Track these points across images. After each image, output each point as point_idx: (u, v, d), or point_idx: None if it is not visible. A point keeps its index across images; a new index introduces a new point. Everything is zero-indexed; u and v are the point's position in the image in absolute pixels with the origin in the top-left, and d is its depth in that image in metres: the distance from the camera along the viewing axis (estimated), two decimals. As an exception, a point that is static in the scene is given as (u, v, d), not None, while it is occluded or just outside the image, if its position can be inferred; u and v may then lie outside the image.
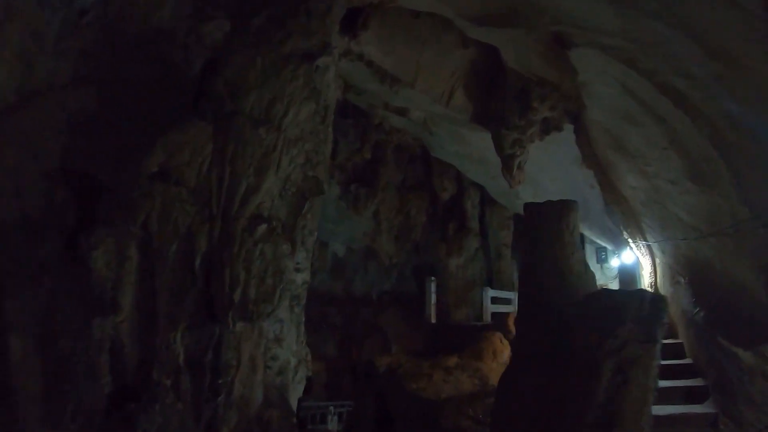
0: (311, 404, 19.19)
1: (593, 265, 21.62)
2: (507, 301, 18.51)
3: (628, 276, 15.19)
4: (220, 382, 7.73)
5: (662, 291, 11.46)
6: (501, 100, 13.23)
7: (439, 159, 20.99)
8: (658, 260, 11.48)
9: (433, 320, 15.99)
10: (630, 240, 12.48)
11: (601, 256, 21.46)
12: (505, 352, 12.05)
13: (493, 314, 17.21)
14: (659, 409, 8.43)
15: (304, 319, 9.81)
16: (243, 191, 8.28)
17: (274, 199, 8.73)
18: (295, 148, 8.96)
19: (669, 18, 7.11)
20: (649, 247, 11.62)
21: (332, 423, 18.26)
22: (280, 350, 8.62)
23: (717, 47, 6.86)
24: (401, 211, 22.62)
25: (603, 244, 19.66)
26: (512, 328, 12.68)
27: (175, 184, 7.88)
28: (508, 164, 13.30)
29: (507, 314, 13.50)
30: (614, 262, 20.38)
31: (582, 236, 20.81)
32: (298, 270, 9.20)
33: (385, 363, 13.84)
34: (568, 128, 13.52)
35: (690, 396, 9.28)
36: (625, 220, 12.28)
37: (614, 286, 21.89)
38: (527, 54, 11.69)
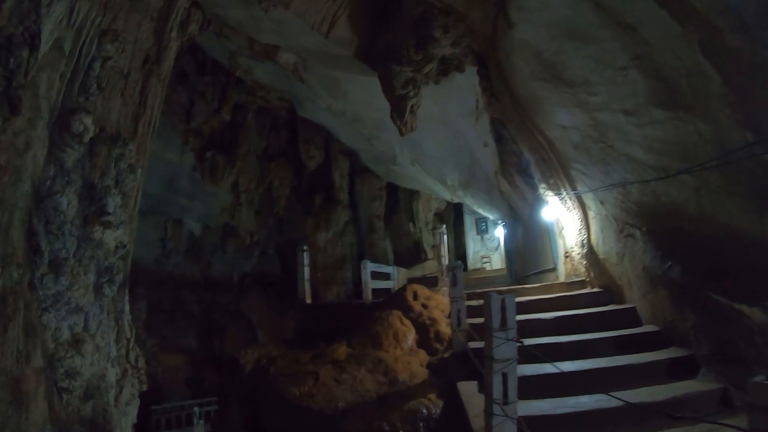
0: (173, 405, 15.82)
1: (473, 236, 19.35)
2: (387, 276, 15.59)
3: (536, 238, 12.64)
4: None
5: (600, 248, 8.87)
6: (394, 31, 10.26)
7: (306, 123, 17.78)
8: (592, 213, 8.89)
9: (309, 300, 12.64)
10: (549, 194, 9.85)
11: (481, 227, 19.13)
12: (410, 336, 8.94)
13: (373, 291, 14.21)
14: (651, 392, 6.13)
15: (127, 308, 6.26)
16: None
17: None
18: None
19: None
20: (579, 198, 9.01)
21: (199, 426, 14.69)
22: (81, 360, 5.00)
23: None
24: (263, 182, 19.17)
25: (484, 214, 17.18)
26: (414, 304, 9.60)
27: None
28: (399, 107, 10.31)
29: (406, 286, 10.42)
30: (498, 232, 18.02)
31: (460, 207, 18.53)
32: (107, 225, 5.48)
33: (252, 359, 10.25)
34: (463, 76, 10.90)
35: (675, 370, 6.66)
36: (547, 170, 9.60)
37: (496, 256, 19.75)
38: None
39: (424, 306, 9.62)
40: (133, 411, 6.17)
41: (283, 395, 7.87)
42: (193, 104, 17.42)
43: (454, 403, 6.60)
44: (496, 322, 4.75)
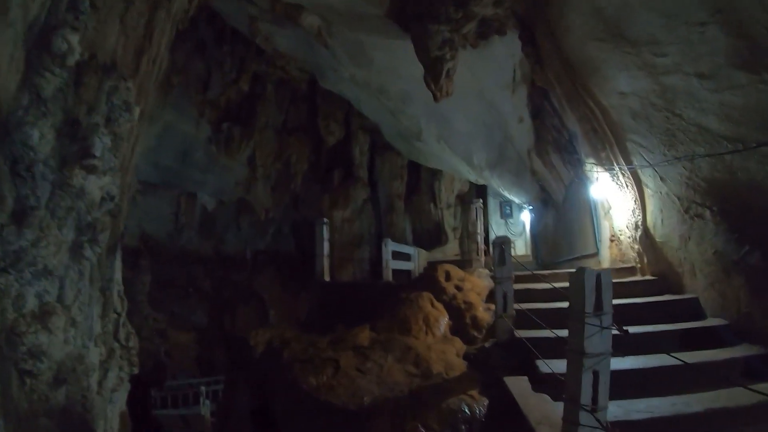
0: (180, 383, 14.90)
1: (497, 220, 18.12)
2: (407, 257, 14.39)
3: (572, 221, 11.40)
4: None
5: (658, 231, 7.64)
6: (432, -13, 9.08)
7: (327, 97, 16.76)
8: (650, 191, 7.65)
9: (327, 278, 11.44)
10: (598, 170, 8.60)
11: (506, 211, 17.91)
12: (443, 321, 7.71)
13: (393, 272, 13.02)
14: (731, 396, 4.92)
15: (118, 277, 5.12)
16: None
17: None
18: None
19: None
20: (634, 174, 7.78)
21: (205, 406, 13.88)
22: (49, 337, 3.84)
23: None
24: (280, 157, 17.98)
25: (510, 197, 15.93)
26: (446, 286, 8.38)
27: None
28: (434, 70, 9.16)
29: (435, 265, 9.22)
30: (523, 216, 16.77)
31: (484, 189, 17.31)
32: (91, 170, 4.23)
33: (264, 340, 9.04)
34: (502, 44, 10.00)
35: (754, 371, 5.47)
36: (598, 143, 8.34)
37: (520, 242, 18.51)
38: None
39: (458, 288, 8.39)
40: (121, 398, 5.07)
41: (298, 384, 6.68)
42: (211, 75, 16.40)
43: (502, 403, 5.39)
44: (589, 304, 3.52)
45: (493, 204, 18.06)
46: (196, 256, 18.47)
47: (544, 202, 14.03)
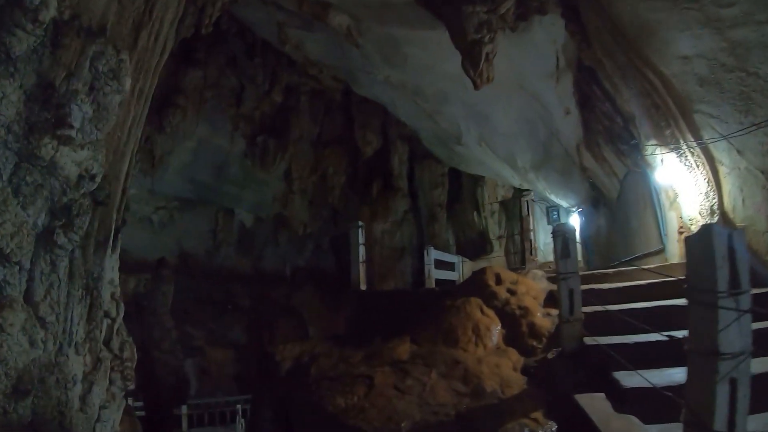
0: (218, 400, 14.34)
1: (543, 226, 16.97)
2: (451, 267, 13.45)
3: (629, 218, 10.24)
4: None
5: (738, 213, 6.49)
6: (464, -33, 8.26)
7: (362, 107, 16.13)
8: (725, 168, 6.54)
9: (363, 286, 10.52)
10: (661, 151, 7.50)
11: (553, 216, 16.73)
12: (495, 330, 6.67)
13: (436, 282, 12.07)
14: None
15: (110, 276, 4.24)
16: None
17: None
18: None
19: None
20: (705, 151, 6.67)
21: (240, 425, 13.26)
22: (2, 336, 2.98)
23: None
24: (317, 169, 17.26)
25: (557, 201, 14.81)
26: (497, 290, 7.33)
27: None
28: (472, 55, 8.27)
29: (484, 268, 8.20)
30: (572, 221, 15.61)
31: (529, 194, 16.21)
32: (65, 141, 3.32)
33: (292, 355, 8.10)
34: (542, 28, 9.12)
35: None
36: (661, 120, 7.26)
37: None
38: None
39: (511, 292, 7.32)
40: (113, 416, 4.17)
41: (323, 405, 5.71)
42: (243, 88, 15.99)
43: (574, 428, 4.33)
44: (722, 279, 2.45)
45: (539, 209, 16.93)
46: (234, 273, 17.95)
47: (594, 202, 12.89)
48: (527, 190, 11.95)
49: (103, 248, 4.09)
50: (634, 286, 6.42)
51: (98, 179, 3.70)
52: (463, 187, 17.34)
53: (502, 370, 5.85)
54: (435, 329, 6.99)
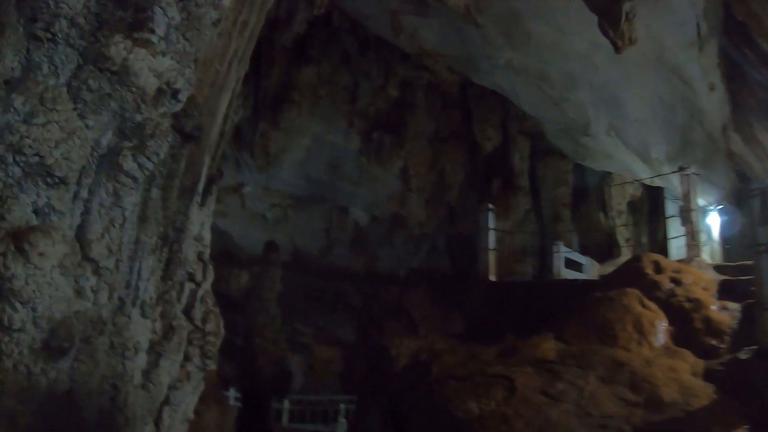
0: (322, 398, 14.39)
1: (677, 227, 15.35)
2: (579, 268, 12.40)
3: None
4: None
5: None
6: None
7: (481, 101, 15.62)
8: None
9: (492, 277, 9.71)
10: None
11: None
12: (660, 325, 5.67)
13: (566, 283, 11.13)
14: None
15: (205, 233, 3.77)
16: None
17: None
18: None
19: None
20: None
21: (341, 425, 13.25)
22: (28, 271, 2.45)
23: None
24: (434, 167, 16.66)
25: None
26: (659, 279, 6.30)
27: None
28: (611, 14, 7.54)
29: (640, 257, 7.20)
30: (710, 220, 13.99)
31: (660, 192, 14.87)
32: (143, 44, 2.80)
33: (408, 351, 7.44)
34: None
35: None
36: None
37: (705, 251, 15.53)
38: None
39: (675, 282, 6.31)
40: (186, 400, 3.61)
41: (449, 410, 4.93)
42: (358, 85, 15.93)
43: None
44: None
45: (672, 208, 15.37)
46: (346, 272, 17.77)
47: (738, 197, 11.42)
48: (685, 167, 10.38)
49: (190, 195, 3.61)
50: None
51: (182, 97, 3.20)
52: (589, 186, 16.24)
53: (680, 374, 4.95)
54: (585, 325, 6.16)
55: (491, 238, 9.80)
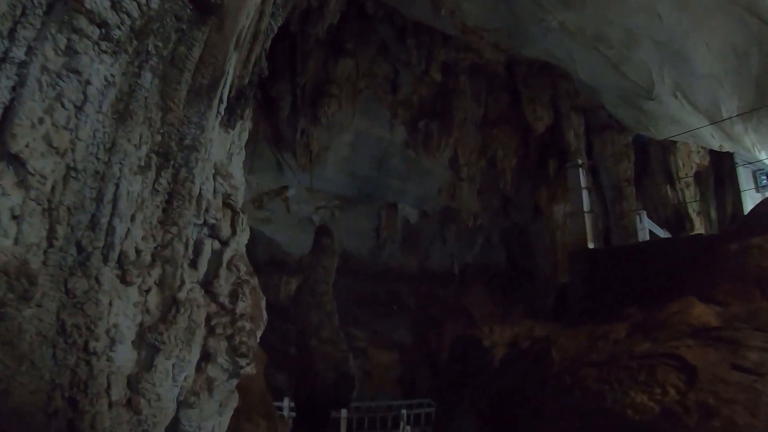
0: (380, 404, 13.43)
1: (751, 195, 14.25)
2: (660, 240, 11.47)
3: None
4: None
5: None
6: None
7: (529, 80, 14.71)
8: None
9: (591, 244, 8.71)
10: None
11: (761, 182, 13.98)
12: None
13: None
14: None
15: (232, 160, 2.81)
16: None
17: None
18: None
19: None
20: None
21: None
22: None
23: None
24: (485, 153, 15.85)
25: (768, 159, 12.16)
26: None
27: None
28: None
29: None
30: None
31: (730, 159, 13.75)
32: None
33: (505, 340, 6.46)
34: None
35: None
36: None
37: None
38: None
39: None
40: (210, 423, 2.40)
41: (608, 409, 3.85)
42: (398, 74, 15.23)
43: None
44: None
45: (744, 175, 14.20)
46: (399, 272, 17.17)
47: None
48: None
49: (207, 100, 2.58)
50: None
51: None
52: (651, 158, 15.24)
53: None
54: (731, 281, 5.09)
55: (586, 199, 8.76)
